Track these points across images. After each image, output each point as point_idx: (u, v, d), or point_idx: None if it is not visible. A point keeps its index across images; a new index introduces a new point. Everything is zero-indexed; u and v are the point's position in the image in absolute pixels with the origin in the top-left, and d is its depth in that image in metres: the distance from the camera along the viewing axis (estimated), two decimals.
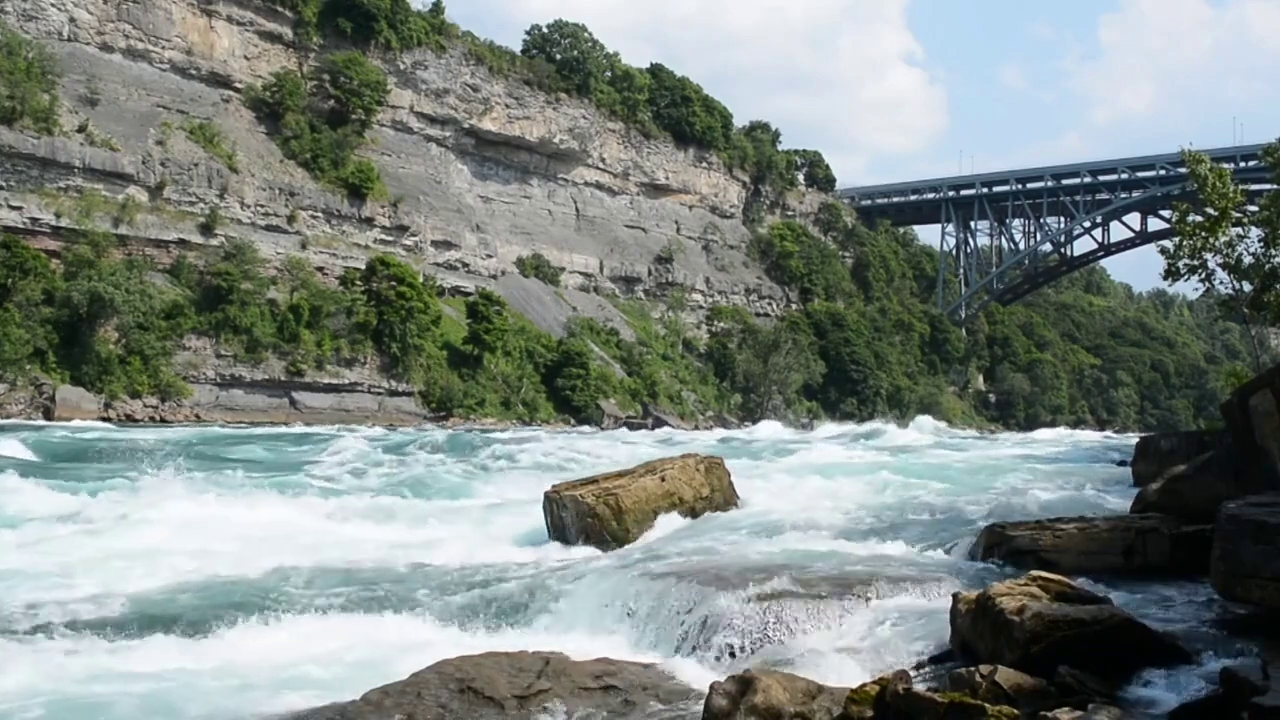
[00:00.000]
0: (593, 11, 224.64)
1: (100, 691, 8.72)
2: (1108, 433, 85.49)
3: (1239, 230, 27.94)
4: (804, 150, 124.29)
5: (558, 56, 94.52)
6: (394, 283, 67.52)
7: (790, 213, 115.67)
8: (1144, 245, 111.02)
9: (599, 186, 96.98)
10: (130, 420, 51.61)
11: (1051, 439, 61.12)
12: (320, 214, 70.88)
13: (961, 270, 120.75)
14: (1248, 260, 27.38)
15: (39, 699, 8.41)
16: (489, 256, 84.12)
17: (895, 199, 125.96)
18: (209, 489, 20.00)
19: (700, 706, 7.38)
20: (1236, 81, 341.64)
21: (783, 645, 9.10)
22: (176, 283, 60.54)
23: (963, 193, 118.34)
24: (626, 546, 14.79)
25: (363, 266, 69.30)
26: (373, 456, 30.87)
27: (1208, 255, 27.19)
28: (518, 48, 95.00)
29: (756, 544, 13.96)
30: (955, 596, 8.71)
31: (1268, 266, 27.17)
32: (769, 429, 62.20)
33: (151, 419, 53.03)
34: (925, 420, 69.36)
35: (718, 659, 9.12)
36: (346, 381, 65.17)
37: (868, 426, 66.24)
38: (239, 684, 9.00)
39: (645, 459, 19.47)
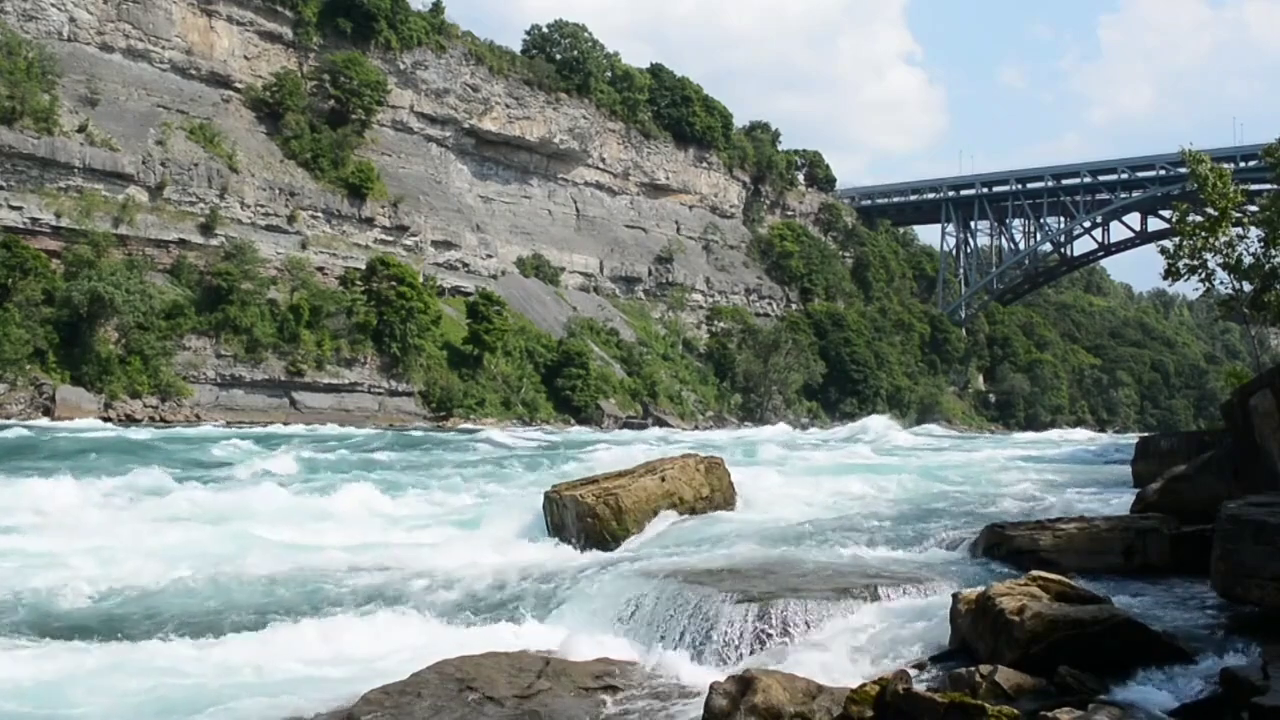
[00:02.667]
0: (592, 11, 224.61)
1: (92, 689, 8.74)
2: (1092, 434, 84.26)
3: (1239, 230, 27.92)
4: (804, 150, 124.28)
5: (558, 56, 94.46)
6: (394, 283, 67.49)
7: (790, 213, 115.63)
8: (1144, 245, 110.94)
9: (599, 186, 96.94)
10: (130, 420, 51.60)
11: (1033, 440, 61.01)
12: (320, 214, 70.84)
13: (961, 270, 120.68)
14: (1248, 260, 27.35)
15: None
16: (489, 256, 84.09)
17: (895, 199, 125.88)
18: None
19: (700, 706, 7.39)
20: (1236, 82, 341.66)
21: (782, 645, 9.10)
22: (176, 283, 60.50)
23: (963, 193, 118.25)
24: (626, 546, 14.79)
25: (363, 266, 69.26)
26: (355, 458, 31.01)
27: (1208, 255, 27.14)
28: (518, 48, 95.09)
29: (756, 544, 13.97)
30: (955, 596, 8.72)
31: (1268, 266, 27.14)
32: (773, 431, 62.00)
33: (151, 419, 52.98)
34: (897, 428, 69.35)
35: (718, 659, 9.12)
36: (346, 381, 65.14)
37: (849, 429, 66.34)
38: (239, 684, 9.00)
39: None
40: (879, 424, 68.93)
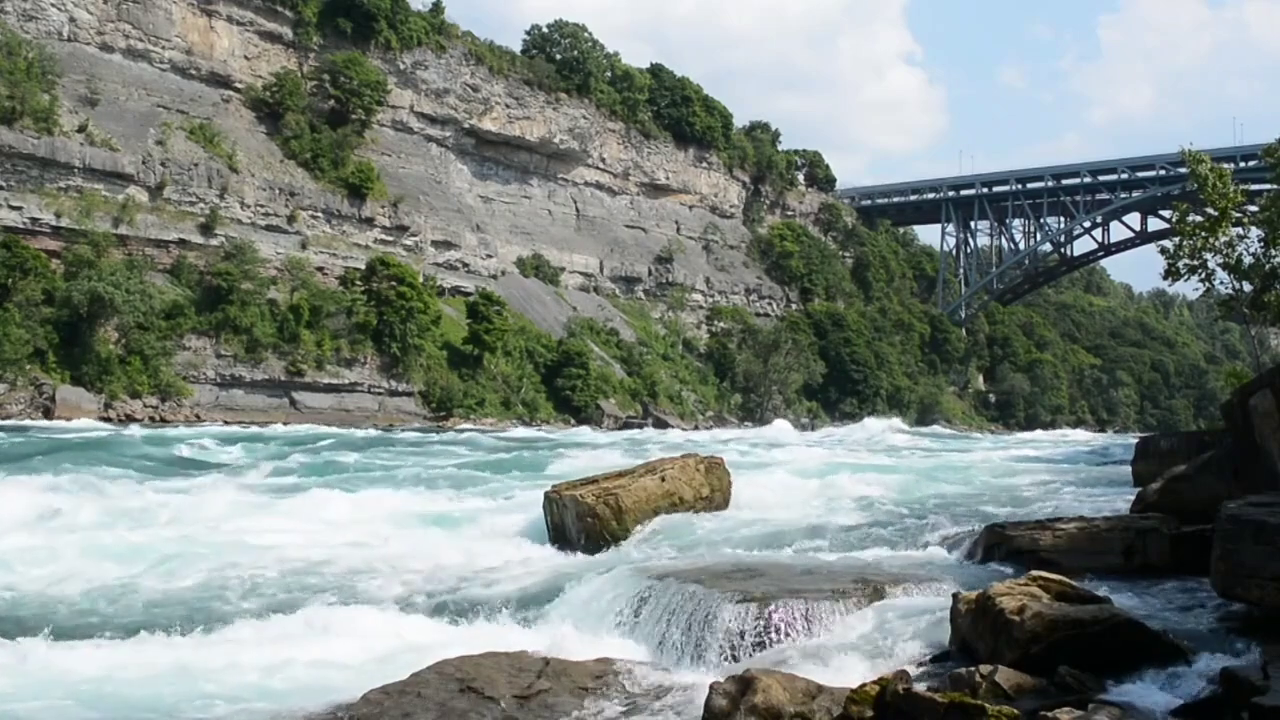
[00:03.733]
0: (592, 11, 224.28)
1: (101, 688, 8.72)
2: (1091, 434, 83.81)
3: (1239, 230, 27.91)
4: (804, 150, 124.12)
5: (558, 56, 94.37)
6: (394, 283, 67.45)
7: (790, 213, 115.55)
8: (1144, 245, 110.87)
9: (599, 186, 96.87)
10: (130, 420, 51.59)
11: (1033, 440, 60.94)
12: (320, 214, 70.78)
13: (961, 270, 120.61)
14: (1248, 260, 27.33)
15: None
16: (489, 256, 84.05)
17: (895, 199, 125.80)
18: None
19: (700, 706, 7.38)
20: (1236, 82, 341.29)
21: (782, 645, 9.10)
22: (176, 283, 60.46)
23: (963, 193, 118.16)
24: (626, 546, 14.79)
25: (363, 266, 69.19)
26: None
27: (1208, 255, 27.13)
28: (518, 48, 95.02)
29: (756, 544, 13.97)
30: (955, 596, 8.72)
31: (1268, 266, 27.13)
32: (774, 431, 61.94)
33: (151, 419, 52.95)
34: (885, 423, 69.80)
35: (718, 659, 9.12)
36: (346, 381, 65.10)
37: (846, 429, 66.39)
38: (239, 682, 8.99)
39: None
40: (881, 424, 69.11)
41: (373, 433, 50.26)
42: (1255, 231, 28.19)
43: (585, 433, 59.12)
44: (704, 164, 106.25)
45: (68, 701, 8.46)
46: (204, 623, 11.03)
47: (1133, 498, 15.27)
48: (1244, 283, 27.65)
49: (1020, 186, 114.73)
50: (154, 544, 15.12)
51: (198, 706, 8.32)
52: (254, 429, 48.34)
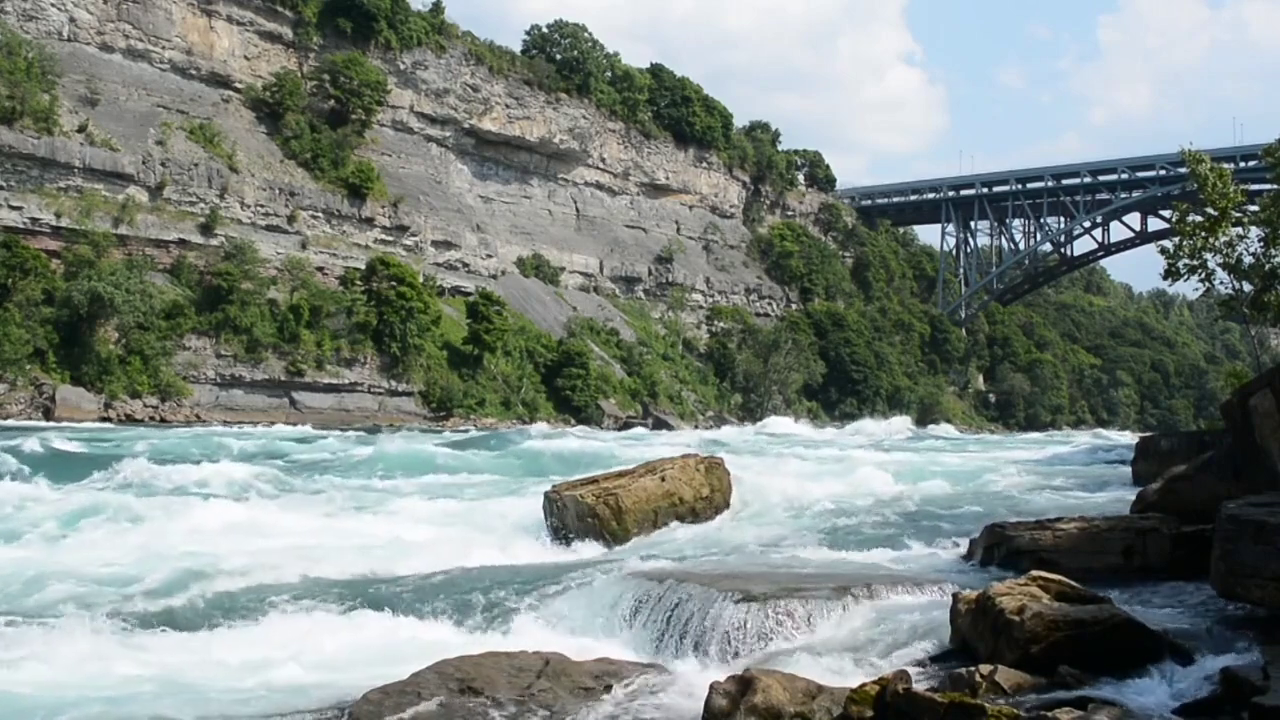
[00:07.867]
0: (592, 11, 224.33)
1: (102, 686, 8.73)
2: (1091, 436, 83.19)
3: (1239, 230, 27.89)
4: (804, 150, 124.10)
5: (558, 56, 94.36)
6: (394, 283, 67.44)
7: (790, 213, 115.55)
8: (1144, 245, 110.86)
9: (599, 186, 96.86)
10: (130, 420, 51.62)
11: (1033, 440, 60.69)
12: (320, 214, 70.76)
13: (961, 270, 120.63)
14: (1248, 260, 27.34)
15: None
16: (489, 256, 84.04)
17: (895, 199, 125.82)
18: None
19: (700, 706, 7.38)
20: (1235, 82, 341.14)
21: (782, 645, 9.10)
22: (176, 283, 60.45)
23: (963, 193, 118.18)
24: (626, 546, 14.80)
25: (363, 266, 69.18)
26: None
27: (1208, 255, 27.14)
28: (518, 48, 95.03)
29: (755, 544, 13.98)
30: (955, 596, 8.72)
31: (1268, 266, 27.12)
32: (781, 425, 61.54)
33: (151, 419, 52.97)
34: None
35: (718, 659, 9.12)
36: (346, 381, 65.10)
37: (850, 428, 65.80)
38: (238, 683, 8.98)
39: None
40: (887, 425, 69.12)
41: (332, 435, 48.73)
42: (1255, 231, 28.17)
43: (573, 434, 58.14)
44: (704, 164, 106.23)
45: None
46: (201, 622, 11.01)
47: (1133, 498, 15.28)
48: (1244, 283, 27.65)
49: (1020, 186, 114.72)
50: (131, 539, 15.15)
51: (195, 707, 8.31)
52: (253, 428, 48.34)
